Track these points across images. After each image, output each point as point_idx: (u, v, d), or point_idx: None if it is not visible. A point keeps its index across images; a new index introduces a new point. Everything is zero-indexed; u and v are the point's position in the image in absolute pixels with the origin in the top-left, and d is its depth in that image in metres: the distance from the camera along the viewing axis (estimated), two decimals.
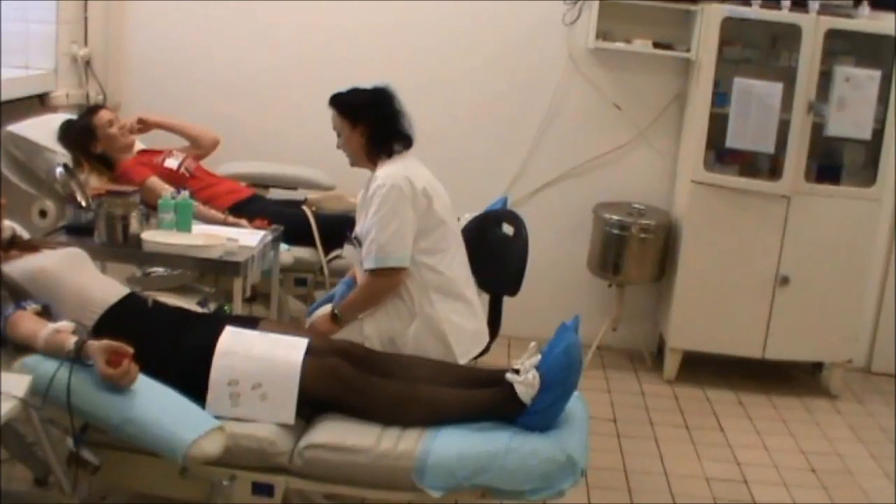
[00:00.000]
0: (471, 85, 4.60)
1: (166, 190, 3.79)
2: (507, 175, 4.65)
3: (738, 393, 4.37)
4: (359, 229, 3.07)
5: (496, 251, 3.50)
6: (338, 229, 3.73)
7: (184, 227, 3.20)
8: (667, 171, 4.62)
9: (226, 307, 3.77)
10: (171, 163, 3.97)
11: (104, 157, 3.92)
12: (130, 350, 2.26)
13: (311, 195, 4.20)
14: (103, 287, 2.68)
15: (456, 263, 3.12)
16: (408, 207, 2.98)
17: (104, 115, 3.92)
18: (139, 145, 4.16)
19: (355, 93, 3.14)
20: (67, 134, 3.91)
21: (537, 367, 2.51)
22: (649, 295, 4.73)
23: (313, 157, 4.57)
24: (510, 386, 2.52)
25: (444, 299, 3.04)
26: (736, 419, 4.12)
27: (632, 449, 3.75)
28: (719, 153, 4.33)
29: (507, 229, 3.55)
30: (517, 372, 2.54)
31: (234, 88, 4.65)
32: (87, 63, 4.60)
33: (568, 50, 4.50)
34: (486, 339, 3.20)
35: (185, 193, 3.49)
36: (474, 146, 4.66)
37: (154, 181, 3.84)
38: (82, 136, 3.89)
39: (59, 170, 3.17)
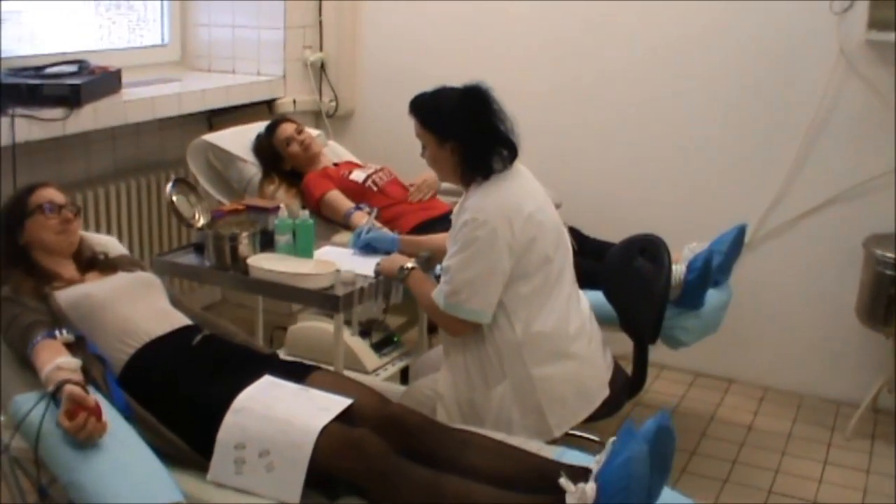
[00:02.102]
0: (715, 88, 3.86)
1: (346, 205, 3.56)
2: (753, 198, 3.85)
3: None
4: (442, 265, 2.60)
5: (636, 287, 2.87)
6: None
7: (303, 251, 2.90)
8: None
9: (395, 338, 3.47)
10: (358, 175, 3.71)
11: (295, 172, 3.76)
12: (93, 403, 2.00)
13: None
14: (154, 318, 2.45)
15: (562, 310, 2.57)
16: (500, 254, 2.48)
17: (283, 132, 3.75)
18: (331, 157, 3.95)
19: (441, 97, 2.62)
20: (257, 148, 3.80)
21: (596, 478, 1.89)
22: None
23: (543, 171, 4.11)
24: (560, 494, 1.92)
25: (541, 359, 2.51)
26: None
27: None
28: None
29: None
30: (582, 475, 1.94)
31: None
32: (322, 68, 4.50)
33: (838, 43, 3.57)
34: (603, 396, 2.62)
35: (371, 215, 3.25)
36: (716, 161, 3.92)
37: (333, 195, 3.60)
38: (268, 152, 3.76)
39: (170, 185, 3.02)
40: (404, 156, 3.41)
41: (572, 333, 2.61)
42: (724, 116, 3.86)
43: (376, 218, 3.46)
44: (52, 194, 2.55)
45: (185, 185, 3.08)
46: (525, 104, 4.08)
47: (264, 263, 2.79)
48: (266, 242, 2.96)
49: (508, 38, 4.19)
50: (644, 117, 4.00)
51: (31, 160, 3.53)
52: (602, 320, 2.89)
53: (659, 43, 3.92)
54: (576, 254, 3.49)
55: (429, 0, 4.32)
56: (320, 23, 4.45)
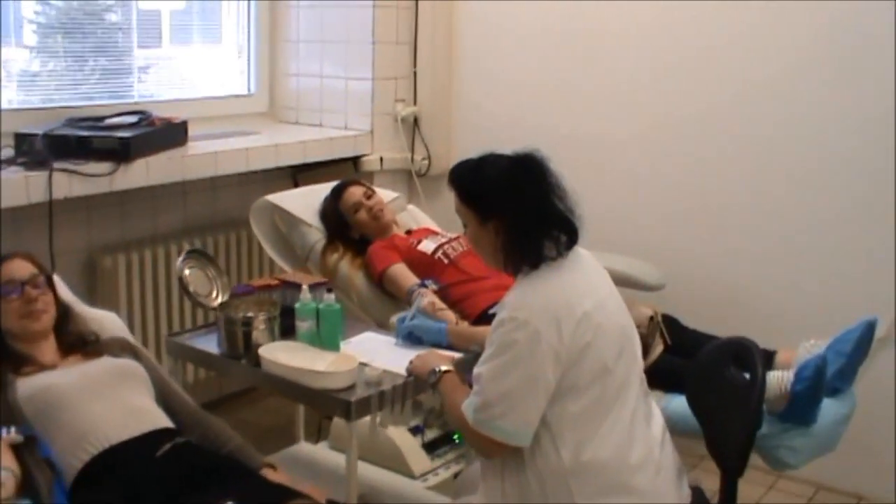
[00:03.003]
0: (853, 144, 3.22)
1: (409, 281, 3.13)
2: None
3: None
4: (473, 371, 2.12)
5: (725, 404, 2.31)
6: None
7: (328, 340, 2.48)
8: None
9: (455, 437, 3.01)
10: (427, 245, 3.26)
11: (364, 240, 3.36)
12: None
13: None
14: (121, 418, 2.08)
15: (622, 433, 2.08)
16: (543, 362, 2.01)
17: (350, 197, 3.36)
18: (410, 224, 3.54)
19: (485, 165, 2.16)
20: (323, 212, 3.43)
21: None
22: None
23: (649, 246, 3.58)
24: None
25: (594, 493, 2.03)
26: None
27: None
28: None
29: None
30: None
31: (575, 155, 3.78)
32: (415, 123, 4.11)
33: None
34: None
35: (419, 298, 2.83)
36: (853, 237, 3.29)
37: (397, 270, 3.17)
38: (333, 217, 3.38)
39: (181, 257, 2.66)
40: None
41: (634, 463, 2.09)
42: (867, 177, 3.25)
43: (443, 297, 3.03)
44: (13, 269, 2.22)
45: (201, 256, 2.72)
46: (625, 157, 3.72)
47: (276, 354, 2.38)
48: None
49: (615, 84, 3.71)
50: (766, 179, 3.44)
51: (88, 216, 3.35)
52: (689, 432, 2.44)
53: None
54: (666, 349, 2.97)
55: (531, 50, 3.87)
56: (414, 73, 4.07)
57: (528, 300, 2.05)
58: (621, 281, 3.34)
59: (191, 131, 3.59)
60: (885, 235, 3.21)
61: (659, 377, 2.71)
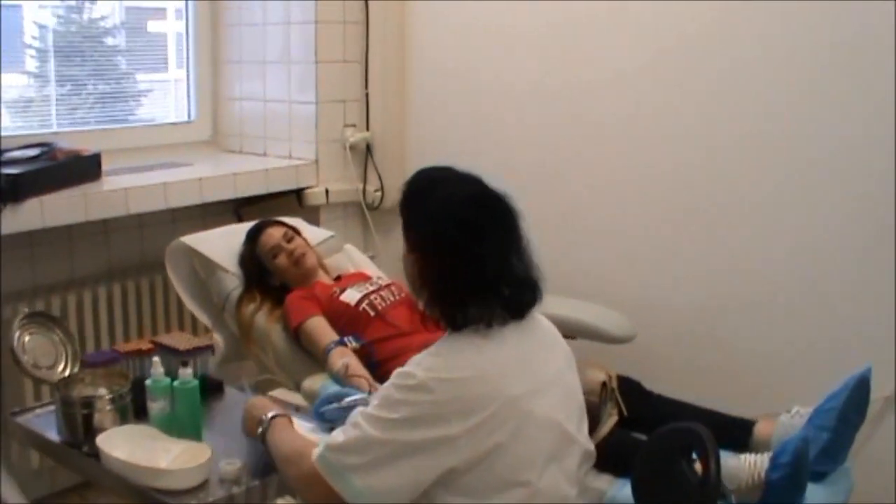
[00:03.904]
0: (849, 177, 2.72)
1: (326, 338, 2.71)
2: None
3: None
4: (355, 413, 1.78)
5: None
6: None
7: (186, 425, 2.07)
8: None
9: None
10: (351, 295, 2.85)
11: (286, 288, 2.95)
12: None
13: None
14: None
15: None
16: (430, 444, 1.67)
17: (268, 240, 2.97)
18: (348, 266, 3.14)
19: (435, 193, 1.86)
20: (241, 257, 3.03)
21: None
22: None
23: (619, 293, 3.14)
24: None
25: None
26: None
27: None
28: None
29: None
30: None
31: (539, 188, 3.36)
32: (368, 151, 3.70)
33: None
34: None
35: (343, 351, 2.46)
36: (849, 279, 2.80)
37: (314, 324, 2.76)
38: (250, 263, 2.98)
39: (16, 321, 2.26)
40: None
41: None
42: (865, 217, 2.77)
43: (368, 355, 2.63)
44: None
45: (44, 319, 2.32)
46: (593, 192, 3.18)
47: (115, 445, 1.98)
48: None
49: (585, 113, 3.26)
50: (755, 218, 2.98)
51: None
52: None
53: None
54: (622, 421, 2.53)
55: (492, 70, 3.44)
56: (366, 96, 3.66)
57: (440, 364, 1.70)
58: (584, 332, 2.93)
59: (124, 163, 3.26)
60: (886, 280, 2.73)
61: (609, 457, 2.27)
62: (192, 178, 3.27)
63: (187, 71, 3.75)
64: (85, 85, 3.49)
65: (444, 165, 1.95)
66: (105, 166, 3.16)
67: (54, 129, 3.34)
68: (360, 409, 1.75)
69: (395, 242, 3.61)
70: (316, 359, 2.73)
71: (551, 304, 2.98)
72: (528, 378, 1.77)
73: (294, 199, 3.58)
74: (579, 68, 3.22)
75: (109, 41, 3.54)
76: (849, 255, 2.81)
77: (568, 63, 3.25)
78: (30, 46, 3.35)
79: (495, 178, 1.90)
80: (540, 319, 1.92)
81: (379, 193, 3.67)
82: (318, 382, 2.52)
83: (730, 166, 2.98)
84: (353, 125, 3.66)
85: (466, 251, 1.77)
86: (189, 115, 3.79)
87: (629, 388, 2.61)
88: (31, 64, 3.37)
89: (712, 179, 3.03)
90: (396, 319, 2.76)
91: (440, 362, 1.72)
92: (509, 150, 3.40)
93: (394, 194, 3.64)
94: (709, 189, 3.04)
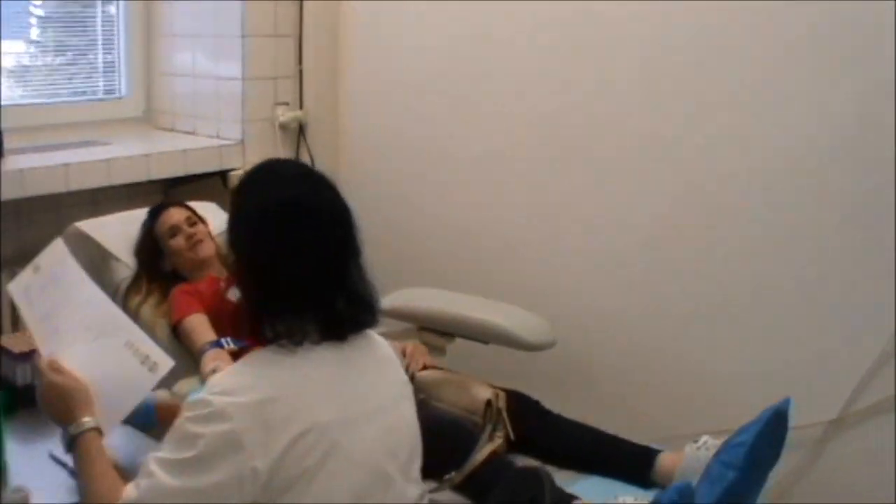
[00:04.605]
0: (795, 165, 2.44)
1: (203, 338, 2.52)
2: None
3: None
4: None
5: None
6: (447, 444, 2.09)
7: None
8: None
9: None
10: (237, 293, 2.63)
11: (178, 277, 2.76)
12: None
13: (429, 373, 2.52)
14: None
15: None
16: (228, 480, 1.46)
17: (168, 219, 2.78)
18: None
19: (253, 183, 1.70)
20: (139, 239, 2.85)
21: None
22: None
23: (546, 293, 2.91)
24: None
25: None
26: None
27: None
28: None
29: None
30: None
31: (473, 169, 3.12)
32: (301, 132, 3.47)
33: None
34: None
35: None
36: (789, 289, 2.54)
37: (194, 322, 2.57)
38: (146, 246, 2.79)
39: None
40: (403, 254, 2.71)
41: None
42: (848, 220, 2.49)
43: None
44: None
45: None
46: (529, 175, 2.92)
47: None
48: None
49: (527, 89, 3.01)
50: (706, 206, 2.71)
51: None
52: None
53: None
54: (509, 445, 2.29)
55: (431, 48, 3.19)
56: (300, 72, 3.43)
57: (238, 386, 1.51)
58: (495, 337, 2.69)
59: (47, 141, 3.12)
60: (838, 289, 2.45)
61: (482, 486, 2.05)
62: (99, 160, 3.08)
63: (117, 45, 3.54)
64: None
65: (293, 162, 1.80)
66: (24, 143, 3.03)
67: None
68: (152, 453, 1.54)
69: None
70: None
71: (462, 304, 2.79)
72: (341, 405, 1.58)
73: (220, 182, 3.37)
74: (522, 45, 2.96)
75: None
76: (801, 265, 2.53)
77: (510, 42, 2.99)
78: None
79: (351, 187, 1.73)
80: (377, 344, 1.73)
81: None
82: (190, 385, 2.35)
83: (651, 164, 2.71)
84: (286, 103, 3.44)
85: (278, 259, 1.59)
86: (119, 91, 3.59)
87: (524, 408, 2.37)
88: None
89: (643, 176, 2.75)
90: None
91: (239, 383, 1.53)
92: (450, 135, 3.16)
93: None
94: (655, 188, 2.77)
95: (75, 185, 3.01)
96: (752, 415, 2.08)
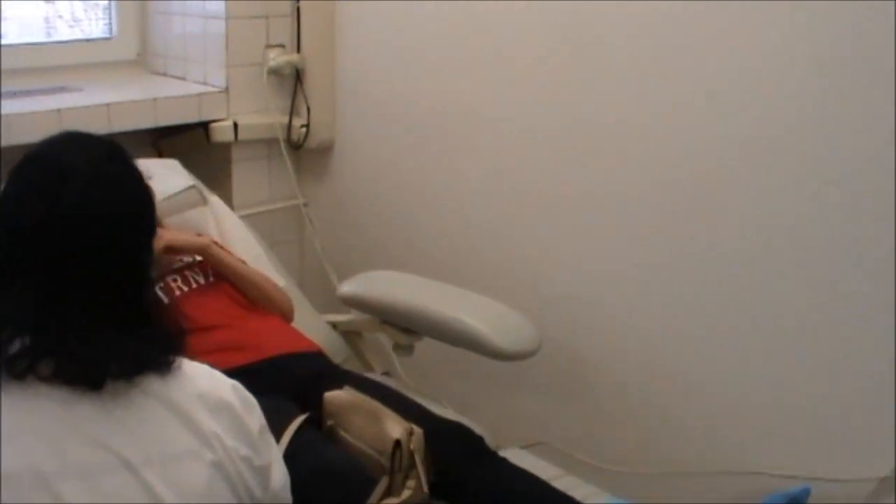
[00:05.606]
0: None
1: None
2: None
3: None
4: None
5: None
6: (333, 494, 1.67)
7: None
8: None
9: None
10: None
11: None
12: None
13: (340, 394, 2.01)
14: None
15: None
16: None
17: None
18: (208, 229, 2.53)
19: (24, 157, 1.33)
20: None
21: None
22: None
23: (539, 288, 2.38)
24: None
25: None
26: None
27: None
28: None
29: None
30: None
31: (475, 132, 2.58)
32: (298, 79, 2.99)
33: None
34: None
35: None
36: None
37: None
38: None
39: None
40: (391, 227, 2.50)
41: None
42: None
43: None
44: None
45: None
46: (532, 149, 2.42)
47: None
48: None
49: (537, 45, 2.44)
50: (713, 205, 2.10)
51: None
52: None
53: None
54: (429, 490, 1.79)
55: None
56: (297, 10, 2.94)
57: None
58: (460, 340, 2.17)
59: (21, 86, 2.80)
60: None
61: None
62: (50, 110, 2.69)
63: None
64: None
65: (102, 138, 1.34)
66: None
67: None
68: None
69: (325, 189, 2.96)
70: None
71: (431, 296, 2.27)
72: (72, 453, 1.16)
73: (202, 134, 2.95)
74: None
75: None
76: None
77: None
78: None
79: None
80: (186, 367, 1.28)
81: (305, 129, 2.97)
82: None
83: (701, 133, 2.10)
84: (281, 45, 2.96)
85: (15, 270, 1.23)
86: (110, 31, 3.20)
87: (460, 447, 1.85)
88: None
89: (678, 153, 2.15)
90: (197, 310, 2.11)
91: None
92: (453, 89, 2.63)
93: (322, 131, 2.98)
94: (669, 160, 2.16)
95: (17, 140, 2.63)
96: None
